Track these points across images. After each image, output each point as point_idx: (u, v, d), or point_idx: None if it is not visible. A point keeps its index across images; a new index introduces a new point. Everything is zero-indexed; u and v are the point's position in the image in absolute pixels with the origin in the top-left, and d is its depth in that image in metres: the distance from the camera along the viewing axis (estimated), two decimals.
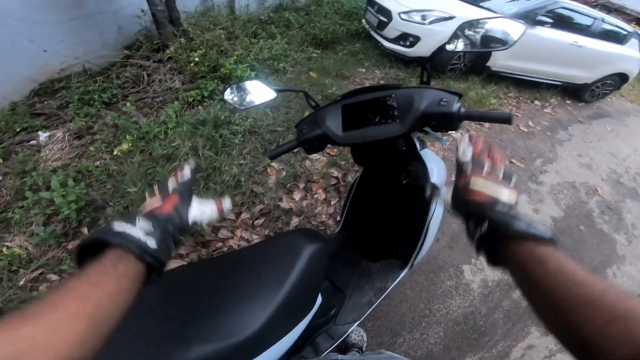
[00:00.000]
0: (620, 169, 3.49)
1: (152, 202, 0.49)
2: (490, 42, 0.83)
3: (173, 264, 1.62)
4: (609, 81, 4.78)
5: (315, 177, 2.21)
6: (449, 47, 0.86)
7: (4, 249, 1.55)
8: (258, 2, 4.30)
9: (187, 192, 0.52)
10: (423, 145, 1.03)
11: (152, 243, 0.42)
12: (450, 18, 3.60)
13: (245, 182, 2.04)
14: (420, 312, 1.73)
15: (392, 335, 1.62)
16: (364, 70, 3.78)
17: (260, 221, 1.92)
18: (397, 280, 1.31)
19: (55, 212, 1.78)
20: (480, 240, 0.47)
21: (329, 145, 0.99)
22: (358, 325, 1.26)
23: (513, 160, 3.02)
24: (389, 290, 1.29)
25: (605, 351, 0.31)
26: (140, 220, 0.43)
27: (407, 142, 0.99)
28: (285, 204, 2.01)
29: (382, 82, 3.67)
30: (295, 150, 1.21)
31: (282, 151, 0.95)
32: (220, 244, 1.78)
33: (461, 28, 0.85)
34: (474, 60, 3.99)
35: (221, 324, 0.66)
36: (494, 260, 0.46)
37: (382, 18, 3.91)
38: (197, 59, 2.86)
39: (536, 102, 4.45)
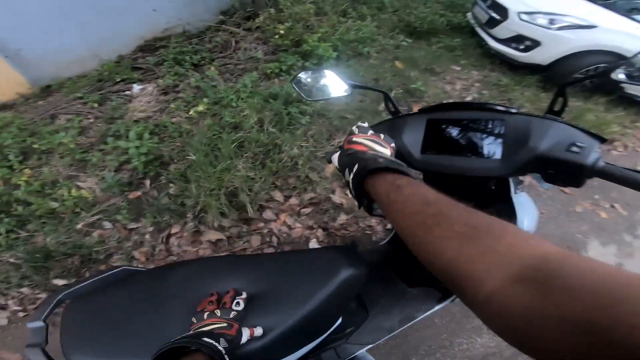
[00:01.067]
0: None
1: (218, 323, 0.58)
2: None
3: (212, 235, 1.57)
4: None
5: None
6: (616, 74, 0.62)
7: (74, 190, 1.65)
8: None
9: (242, 320, 0.62)
10: (519, 187, 0.86)
11: (227, 358, 0.51)
12: (590, 27, 2.90)
13: (303, 166, 1.91)
14: (440, 343, 1.56)
15: (401, 358, 1.48)
16: (458, 68, 3.30)
17: (307, 210, 1.79)
18: (429, 312, 1.17)
19: (127, 161, 1.86)
20: (350, 184, 0.50)
21: None
22: (367, 350, 1.13)
23: (615, 205, 2.40)
24: (416, 320, 1.16)
25: (477, 281, 0.30)
26: (221, 340, 0.53)
27: (500, 181, 0.82)
28: (337, 197, 1.84)
29: (477, 84, 3.15)
30: None
31: None
32: (262, 224, 1.70)
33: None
34: (605, 78, 3.18)
35: None
36: (362, 198, 0.49)
37: (494, 15, 3.33)
38: (282, 32, 2.78)
39: None
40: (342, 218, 1.79)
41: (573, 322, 0.23)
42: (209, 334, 0.54)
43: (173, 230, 1.60)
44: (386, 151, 0.55)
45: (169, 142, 2.04)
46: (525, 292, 0.26)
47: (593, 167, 0.56)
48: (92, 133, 2.06)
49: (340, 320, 0.86)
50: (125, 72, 2.61)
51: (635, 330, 0.20)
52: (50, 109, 2.25)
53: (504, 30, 3.27)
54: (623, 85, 3.22)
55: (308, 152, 1.97)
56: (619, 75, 0.60)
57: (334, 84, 0.84)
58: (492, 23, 3.37)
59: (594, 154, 0.56)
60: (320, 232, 1.72)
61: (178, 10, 2.99)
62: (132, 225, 1.62)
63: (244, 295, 0.66)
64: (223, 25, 3.03)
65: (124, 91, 2.49)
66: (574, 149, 0.57)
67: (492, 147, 0.65)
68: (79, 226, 1.57)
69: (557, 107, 0.69)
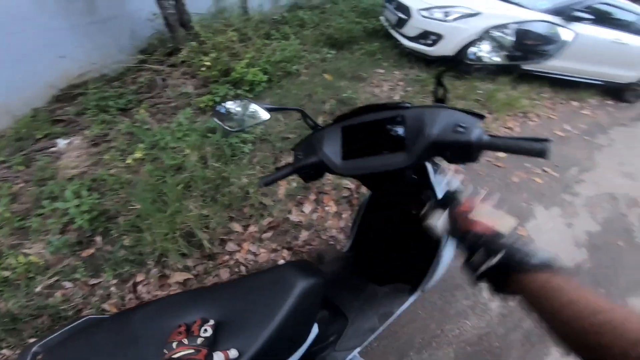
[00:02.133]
0: None
1: (186, 349, 0.64)
2: (528, 50, 0.72)
3: (178, 276, 1.72)
4: None
5: (326, 189, 2.24)
6: (473, 49, 0.77)
7: (21, 258, 1.70)
8: (272, 1, 4.37)
9: (211, 346, 0.67)
10: (437, 171, 0.96)
11: None
12: (476, 14, 3.51)
13: (254, 194, 2.10)
14: (431, 333, 1.72)
15: (398, 356, 1.62)
16: (382, 71, 3.76)
17: (268, 234, 1.98)
18: (405, 305, 1.29)
19: (71, 222, 1.92)
20: (487, 272, 0.49)
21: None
22: (359, 353, 1.25)
23: (546, 169, 2.91)
24: (394, 316, 1.28)
25: None
26: None
27: (418, 168, 0.90)
28: (294, 216, 2.06)
29: (401, 83, 3.64)
30: None
31: (277, 178, 0.91)
32: (227, 257, 1.85)
33: (489, 30, 0.75)
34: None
35: None
36: (501, 290, 0.49)
37: (401, 15, 3.87)
38: (208, 63, 2.95)
39: (573, 103, 4.27)
40: (304, 235, 2.00)
41: None
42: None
43: (138, 279, 1.69)
44: (511, 224, 0.54)
45: (110, 196, 2.10)
46: None
47: (478, 142, 0.65)
48: (25, 198, 2.05)
49: (317, 331, 0.93)
50: (44, 126, 2.58)
51: None
52: None
53: (411, 28, 3.78)
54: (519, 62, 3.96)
55: (257, 179, 2.17)
56: (473, 54, 0.75)
57: (253, 112, 0.93)
58: (400, 23, 3.88)
59: (477, 130, 0.66)
60: (285, 252, 1.90)
61: (89, 54, 2.99)
62: (94, 281, 1.68)
63: (212, 322, 0.72)
64: (144, 65, 3.11)
65: (49, 148, 2.48)
66: (459, 129, 0.67)
67: (398, 141, 0.75)
68: (38, 289, 1.61)
69: (440, 96, 0.82)
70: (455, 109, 0.74)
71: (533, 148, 0.59)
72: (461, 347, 1.70)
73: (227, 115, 0.96)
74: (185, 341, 0.66)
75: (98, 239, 1.89)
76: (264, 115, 0.93)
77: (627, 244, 2.40)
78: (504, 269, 0.47)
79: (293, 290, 0.79)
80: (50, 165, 2.30)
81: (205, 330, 0.70)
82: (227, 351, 0.68)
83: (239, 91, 2.89)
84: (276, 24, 4.01)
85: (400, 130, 0.77)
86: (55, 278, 1.69)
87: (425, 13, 3.65)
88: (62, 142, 2.52)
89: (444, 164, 0.86)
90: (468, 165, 2.67)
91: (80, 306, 1.59)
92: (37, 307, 1.55)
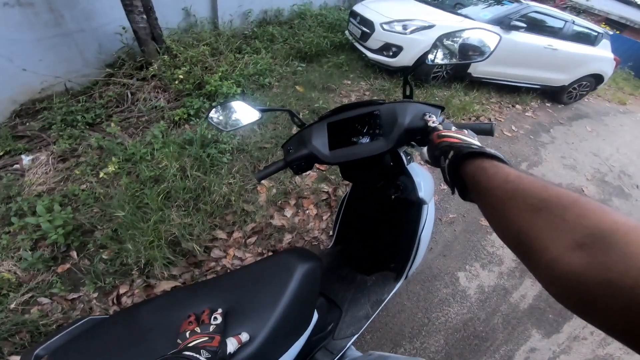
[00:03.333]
0: (604, 168, 3.71)
1: (199, 337, 0.65)
2: (468, 52, 0.86)
3: (165, 284, 1.70)
4: (585, 82, 5.11)
5: (305, 193, 2.31)
6: (430, 57, 0.90)
7: None
8: (242, 17, 4.45)
9: (223, 332, 0.69)
10: (410, 159, 1.09)
11: None
12: (430, 27, 3.80)
13: (236, 201, 2.12)
14: (419, 322, 1.81)
15: (392, 345, 1.69)
16: (349, 82, 3.95)
17: (252, 239, 2.00)
18: (393, 292, 1.36)
19: (43, 237, 1.83)
20: (446, 170, 0.57)
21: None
22: (353, 345, 1.30)
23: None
24: (385, 302, 1.35)
25: (542, 247, 0.33)
26: (202, 352, 0.59)
27: (394, 157, 1.04)
28: (277, 221, 2.10)
29: (367, 93, 3.84)
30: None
31: (270, 172, 0.95)
32: (213, 263, 1.85)
33: (440, 39, 0.88)
34: (456, 68, 4.21)
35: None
36: (457, 182, 0.55)
37: (364, 29, 4.09)
38: (181, 77, 2.95)
39: (517, 106, 4.71)
40: (287, 237, 2.04)
41: (625, 290, 0.24)
42: (189, 348, 0.60)
43: (122, 290, 1.64)
44: (475, 140, 0.61)
45: (84, 210, 2.03)
46: (583, 257, 0.29)
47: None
48: None
49: (317, 316, 0.97)
50: (6, 143, 2.44)
51: None
52: None
53: (374, 41, 4.00)
54: (469, 71, 4.32)
55: (237, 187, 2.20)
56: (437, 59, 0.93)
57: (245, 112, 0.98)
58: (364, 37, 4.10)
59: (438, 118, 0.80)
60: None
61: (52, 68, 2.89)
62: (73, 295, 1.61)
63: (220, 310, 0.74)
64: (113, 78, 3.03)
65: (12, 165, 2.34)
66: (425, 118, 0.79)
67: (377, 132, 0.88)
68: (12, 306, 1.52)
69: (408, 93, 0.96)
70: (420, 102, 0.87)
71: (483, 127, 0.79)
72: (449, 333, 1.81)
73: (221, 116, 1.01)
74: (198, 330, 0.67)
75: (74, 253, 1.82)
76: (255, 115, 0.99)
77: None
78: (454, 163, 0.55)
79: (294, 274, 0.83)
80: (14, 182, 2.18)
81: (216, 318, 0.71)
82: (239, 335, 0.70)
83: (213, 103, 2.91)
84: (247, 39, 4.09)
85: (378, 122, 0.88)
86: (30, 294, 1.60)
87: (386, 26, 3.88)
88: (26, 159, 2.39)
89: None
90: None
91: (61, 320, 1.52)
92: (14, 324, 1.46)
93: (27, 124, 2.68)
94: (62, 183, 2.24)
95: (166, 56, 3.10)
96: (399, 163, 1.05)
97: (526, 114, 4.61)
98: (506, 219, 0.39)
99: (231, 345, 0.66)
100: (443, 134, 0.65)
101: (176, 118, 2.74)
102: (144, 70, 3.13)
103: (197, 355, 0.56)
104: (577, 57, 4.72)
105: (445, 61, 0.90)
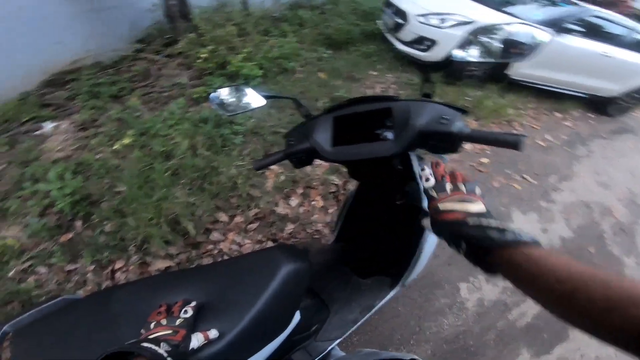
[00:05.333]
0: (638, 189, 3.29)
1: (163, 330, 0.60)
2: (511, 49, 0.73)
3: (160, 263, 1.61)
4: (638, 95, 4.52)
5: (314, 183, 2.15)
6: (457, 52, 0.79)
7: None
8: None
9: (190, 328, 0.63)
10: (421, 164, 0.95)
11: None
12: (470, 22, 3.45)
13: (242, 185, 2.00)
14: (411, 329, 1.68)
15: (378, 349, 1.56)
16: (375, 73, 3.69)
17: (254, 225, 1.88)
18: (385, 299, 1.26)
19: (51, 204, 1.79)
20: (468, 257, 0.49)
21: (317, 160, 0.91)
22: (338, 346, 1.20)
23: (525, 176, 2.87)
24: (375, 308, 1.25)
25: (628, 339, 0.32)
26: (162, 344, 0.54)
27: (404, 160, 0.91)
28: (281, 209, 1.96)
29: (393, 86, 3.58)
30: None
31: (269, 162, 0.89)
32: (211, 246, 1.75)
33: (475, 33, 0.76)
34: (493, 67, 3.83)
35: None
36: (488, 270, 0.47)
37: (398, 20, 3.80)
38: (205, 55, 2.85)
39: (556, 113, 4.24)
40: (290, 227, 1.90)
41: None
42: (149, 340, 0.55)
43: (117, 266, 1.57)
44: (481, 206, 0.52)
45: (95, 180, 1.98)
46: None
47: (460, 134, 0.67)
48: (6, 179, 1.91)
49: (299, 317, 0.90)
50: (33, 109, 2.45)
51: None
52: None
53: (407, 33, 3.71)
54: (508, 72, 3.93)
55: (246, 170, 2.06)
56: (460, 55, 0.81)
57: (250, 98, 0.92)
58: (397, 28, 3.81)
59: (459, 122, 0.68)
60: (270, 244, 1.81)
61: (85, 41, 2.88)
62: (70, 267, 1.56)
63: (193, 303, 0.68)
64: (140, 54, 3.00)
65: (35, 130, 2.35)
66: (443, 121, 0.69)
67: (386, 131, 0.78)
68: (10, 274, 1.48)
69: (427, 90, 0.83)
70: (439, 102, 0.74)
71: (508, 140, 0.61)
72: (438, 344, 1.67)
73: (225, 99, 0.94)
74: (164, 322, 0.62)
75: (78, 223, 1.77)
76: (260, 101, 0.91)
77: (597, 251, 2.39)
78: (476, 252, 0.47)
79: (278, 273, 0.75)
80: (35, 147, 2.17)
81: (186, 311, 0.65)
82: (207, 332, 0.64)
83: (235, 83, 2.78)
84: (276, 21, 3.91)
85: (389, 121, 0.77)
86: (30, 262, 1.57)
87: (421, 19, 3.57)
88: (49, 126, 2.39)
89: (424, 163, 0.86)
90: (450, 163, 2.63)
91: (54, 292, 1.47)
92: (8, 292, 1.42)
93: (55, 93, 2.68)
94: (78, 151, 2.21)
95: (193, 34, 3.02)
96: (410, 168, 0.91)
97: (565, 122, 4.14)
98: (572, 318, 0.37)
99: (196, 340, 0.61)
100: (442, 207, 0.54)
101: (195, 96, 2.65)
102: (170, 47, 3.07)
103: (156, 348, 0.52)
104: (633, 67, 4.17)
105: (479, 59, 0.80)
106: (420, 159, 0.95)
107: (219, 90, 0.94)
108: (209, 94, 2.62)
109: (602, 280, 0.36)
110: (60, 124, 2.40)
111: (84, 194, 1.87)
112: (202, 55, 2.85)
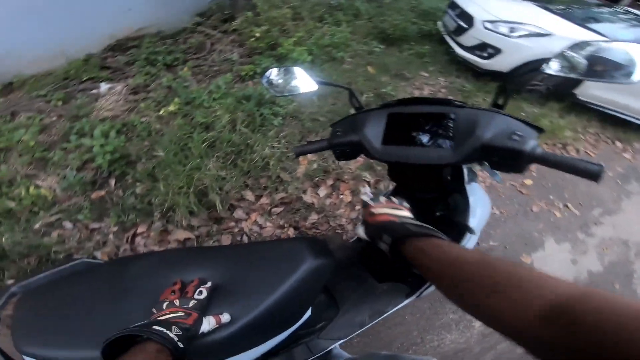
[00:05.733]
0: None
1: (176, 311, 0.57)
2: (598, 68, 0.62)
3: (180, 234, 1.52)
4: None
5: (345, 177, 1.99)
6: (547, 66, 0.67)
7: (32, 189, 1.55)
8: None
9: (203, 310, 0.60)
10: (472, 178, 0.90)
11: (180, 345, 0.50)
12: (546, 35, 3.05)
13: (274, 166, 1.89)
14: (412, 339, 1.57)
15: None
16: (426, 74, 3.40)
17: (278, 209, 1.77)
18: (398, 307, 1.17)
19: (91, 160, 1.79)
20: (390, 251, 0.53)
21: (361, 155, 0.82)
22: (340, 345, 1.12)
23: (568, 205, 2.54)
24: (385, 315, 1.16)
25: (507, 323, 0.33)
26: (174, 328, 0.51)
27: (455, 171, 0.84)
28: (308, 197, 1.83)
29: (443, 90, 3.26)
30: None
31: (311, 150, 0.83)
32: (232, 223, 1.66)
33: (574, 48, 0.66)
34: (560, 84, 3.36)
35: None
36: (403, 260, 0.51)
37: (461, 23, 3.47)
38: (258, 35, 2.77)
39: (618, 143, 3.66)
40: (313, 217, 1.78)
41: None
42: (160, 322, 0.52)
43: (139, 230, 1.54)
44: (407, 213, 0.59)
45: (137, 141, 1.96)
46: (551, 330, 0.28)
47: (531, 154, 0.59)
48: (54, 131, 1.95)
49: (309, 313, 0.86)
50: (93, 70, 2.50)
51: None
52: (10, 107, 2.11)
53: (470, 38, 3.39)
54: (575, 92, 3.43)
55: (280, 152, 1.96)
56: (550, 69, 0.66)
57: (302, 81, 0.86)
58: (459, 31, 3.49)
59: (532, 141, 0.59)
60: (291, 231, 1.70)
61: (154, 10, 2.92)
62: (95, 225, 1.55)
63: (209, 284, 0.65)
64: (199, 27, 2.99)
65: (91, 90, 2.39)
66: (515, 137, 0.60)
67: (445, 138, 0.69)
68: (37, 226, 1.48)
69: (500, 101, 0.73)
70: (513, 116, 0.65)
71: (587, 169, 0.54)
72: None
73: (277, 80, 0.89)
74: (177, 302, 0.58)
75: (112, 182, 1.75)
76: (312, 85, 0.85)
77: (623, 288, 2.11)
78: (397, 241, 0.51)
79: (301, 266, 0.71)
80: (87, 105, 2.20)
81: (200, 292, 0.62)
82: (220, 315, 0.61)
83: (289, 65, 2.66)
84: (331, 9, 3.72)
85: (450, 127, 0.69)
86: (58, 216, 1.56)
87: (489, 25, 3.23)
88: (104, 86, 2.42)
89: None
90: (490, 184, 2.33)
91: (73, 250, 1.43)
92: (29, 246, 1.40)
93: (116, 57, 2.72)
94: (126, 113, 2.22)
95: (250, 13, 2.94)
96: (458, 179, 0.86)
97: (625, 154, 3.56)
98: (462, 299, 0.39)
99: (207, 324, 0.59)
100: (375, 211, 0.61)
101: (243, 73, 2.58)
102: (227, 23, 3.05)
103: (167, 331, 0.50)
104: None
105: (560, 73, 0.67)
106: (472, 172, 0.89)
107: (273, 69, 0.88)
108: (256, 72, 2.46)
109: (490, 264, 0.37)
110: (115, 86, 2.42)
111: (123, 154, 1.86)
112: (255, 35, 2.77)
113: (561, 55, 0.66)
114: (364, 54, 3.27)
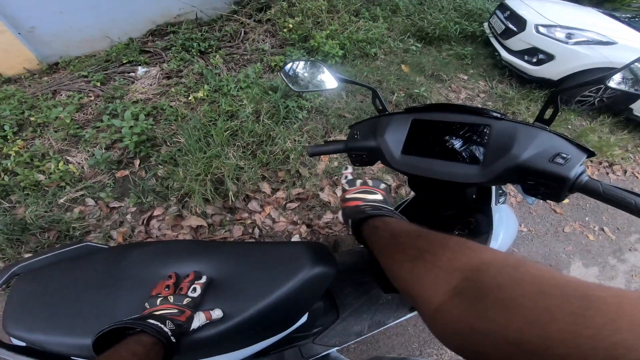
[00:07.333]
0: None
1: (170, 309, 0.56)
2: None
3: (193, 220, 1.50)
4: None
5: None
6: (609, 81, 0.57)
7: (61, 164, 1.60)
8: None
9: (197, 307, 0.60)
10: (501, 199, 0.81)
11: (173, 339, 0.50)
12: (609, 44, 2.72)
13: (294, 160, 1.82)
14: (411, 352, 1.50)
15: None
16: (465, 77, 3.17)
17: (293, 205, 1.70)
18: (400, 320, 1.11)
19: (119, 140, 1.81)
20: (353, 233, 0.53)
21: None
22: (338, 351, 1.06)
23: (605, 229, 2.28)
24: (386, 327, 1.10)
25: (425, 297, 0.30)
26: (168, 322, 0.51)
27: (481, 189, 0.76)
28: (325, 195, 1.74)
29: (482, 95, 3.03)
30: None
31: (325, 151, 0.78)
32: (246, 214, 1.62)
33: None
34: (617, 97, 3.01)
35: None
36: (362, 240, 0.51)
37: (511, 26, 3.18)
38: (291, 26, 2.69)
39: None
40: (328, 216, 1.69)
41: (507, 340, 0.22)
42: (155, 316, 0.52)
43: (155, 213, 1.54)
44: (377, 196, 0.58)
45: (164, 125, 1.97)
46: (462, 305, 0.26)
47: (575, 181, 0.49)
48: (90, 110, 2.01)
49: (305, 318, 0.82)
50: (133, 54, 2.56)
51: (570, 351, 0.18)
52: (53, 85, 2.20)
53: (519, 42, 3.12)
54: (632, 107, 3.05)
55: (301, 147, 1.88)
56: (613, 82, 0.54)
57: (323, 77, 0.80)
58: (507, 34, 3.23)
59: (579, 167, 0.49)
60: (304, 229, 1.63)
61: None
62: (115, 204, 1.56)
63: (204, 279, 0.63)
64: (235, 15, 2.96)
65: (129, 72, 2.44)
66: (558, 160, 0.50)
67: (475, 153, 0.59)
68: (61, 201, 1.52)
69: (547, 116, 0.61)
70: (559, 134, 0.54)
71: (634, 202, 0.43)
72: None
73: (297, 74, 0.84)
74: (171, 299, 0.57)
75: (136, 162, 1.76)
76: (333, 83, 0.79)
77: None
78: (355, 231, 0.51)
79: (299, 273, 0.67)
80: (123, 87, 2.24)
81: (194, 289, 0.61)
82: (211, 311, 0.60)
83: (312, 59, 2.58)
84: (368, 3, 3.56)
85: (482, 141, 0.59)
86: (82, 192, 1.59)
87: (543, 29, 2.94)
88: (141, 70, 2.46)
89: None
90: (521, 199, 2.13)
91: (91, 228, 1.45)
92: (51, 220, 1.43)
93: (155, 42, 2.76)
94: (157, 97, 2.24)
95: (285, 3, 2.87)
96: (485, 199, 0.78)
97: None
98: (392, 271, 0.38)
99: (197, 320, 0.58)
100: (347, 196, 0.60)
101: (272, 64, 2.52)
102: (262, 12, 2.99)
103: (162, 325, 0.50)
104: None
105: (622, 86, 0.59)
106: (502, 192, 0.80)
107: (292, 62, 0.82)
108: (286, 63, 2.40)
109: (426, 235, 0.36)
110: (151, 70, 2.46)
111: (150, 136, 1.87)
112: (288, 25, 2.69)
113: (628, 67, 0.56)
114: (399, 52, 3.10)
